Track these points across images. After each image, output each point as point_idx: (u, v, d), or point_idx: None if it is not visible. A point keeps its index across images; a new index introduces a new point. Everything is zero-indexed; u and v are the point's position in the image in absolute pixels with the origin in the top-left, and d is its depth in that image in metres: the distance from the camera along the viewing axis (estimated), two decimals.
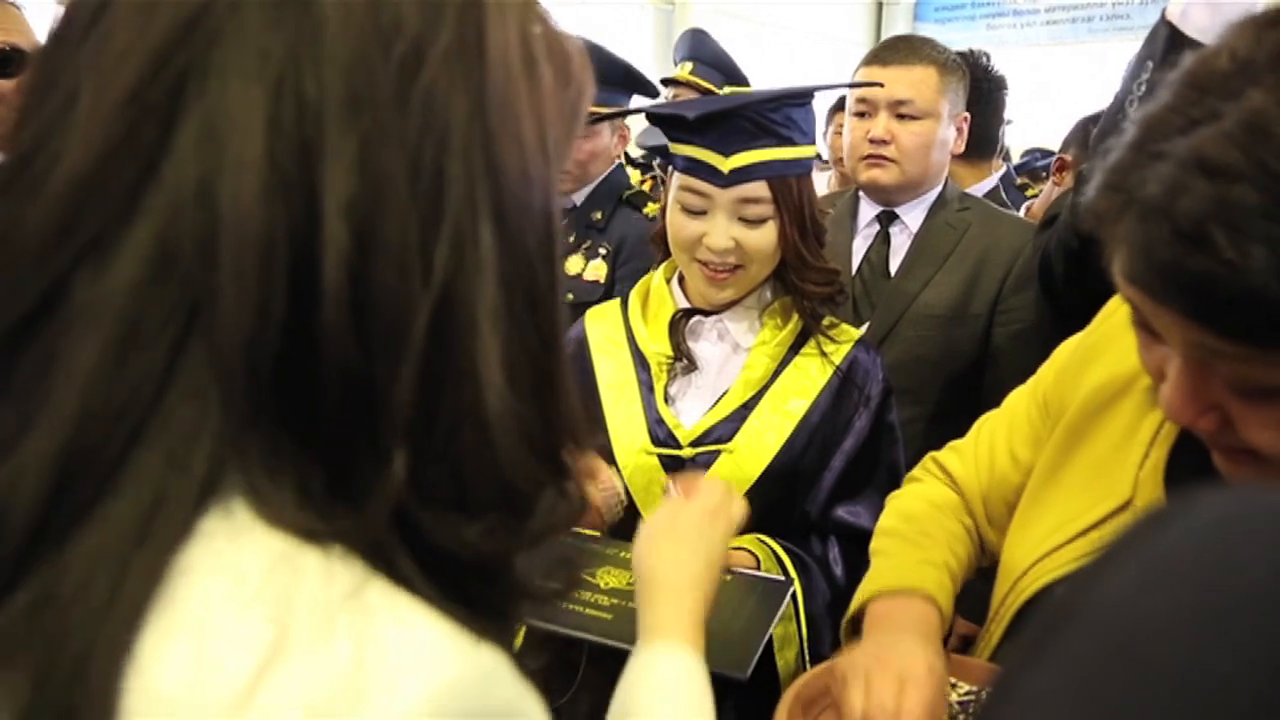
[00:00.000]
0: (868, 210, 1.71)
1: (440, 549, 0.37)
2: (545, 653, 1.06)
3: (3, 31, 1.57)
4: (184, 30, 0.35)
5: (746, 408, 1.22)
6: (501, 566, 0.40)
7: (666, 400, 1.24)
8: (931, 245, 1.65)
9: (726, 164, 1.14)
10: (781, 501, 1.21)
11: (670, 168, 1.25)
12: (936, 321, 1.60)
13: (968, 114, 1.70)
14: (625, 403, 1.25)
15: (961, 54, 2.05)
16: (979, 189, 2.12)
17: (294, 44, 0.36)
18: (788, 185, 1.16)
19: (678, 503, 0.87)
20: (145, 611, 0.33)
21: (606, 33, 10.08)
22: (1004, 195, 2.32)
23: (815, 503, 1.24)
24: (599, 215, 2.07)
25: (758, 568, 1.15)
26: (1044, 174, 3.98)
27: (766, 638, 0.98)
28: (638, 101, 2.18)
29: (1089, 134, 2.11)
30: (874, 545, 0.98)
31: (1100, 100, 2.19)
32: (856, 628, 0.90)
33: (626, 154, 2.28)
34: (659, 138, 1.25)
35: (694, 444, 1.20)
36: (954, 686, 0.81)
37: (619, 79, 2.08)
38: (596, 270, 2.01)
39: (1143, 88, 1.10)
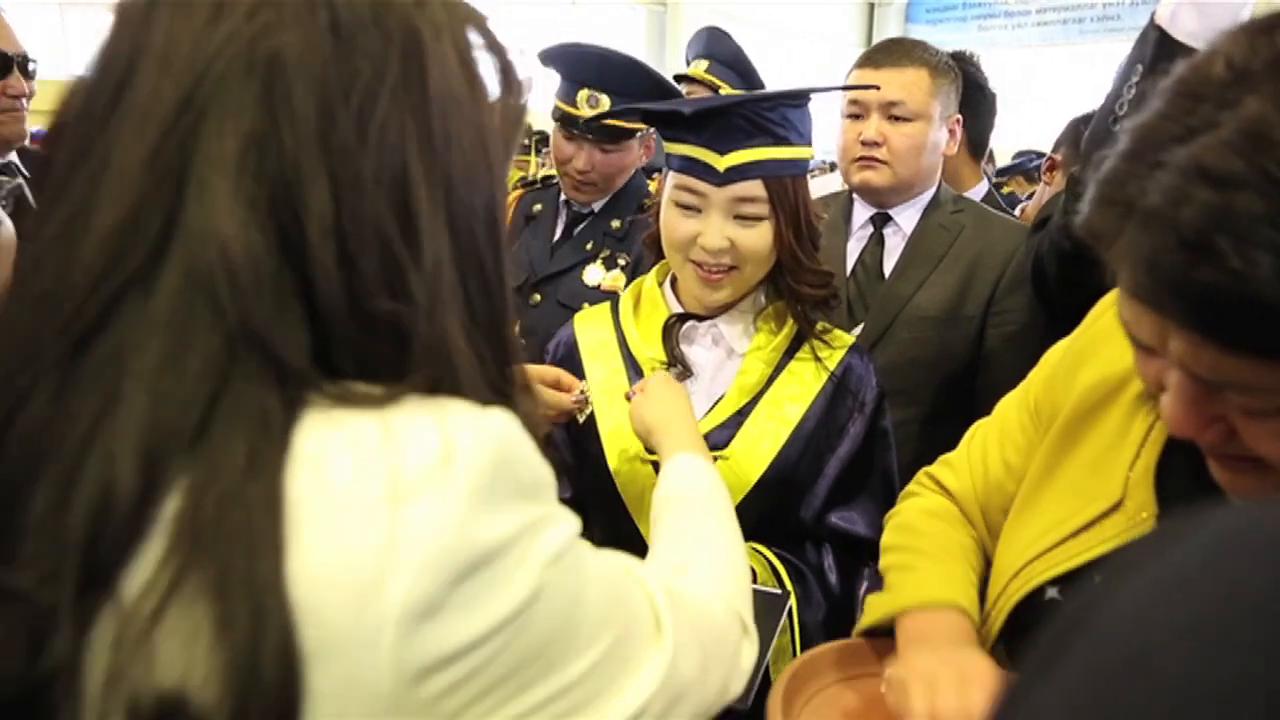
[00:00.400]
0: (861, 212, 1.72)
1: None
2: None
3: None
4: (183, 105, 0.45)
5: (741, 414, 1.21)
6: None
7: None
8: (925, 247, 1.65)
9: (722, 162, 1.13)
10: (776, 508, 1.20)
11: (666, 169, 1.23)
12: (930, 323, 1.60)
13: (959, 116, 1.71)
14: (617, 408, 1.23)
15: (953, 55, 2.06)
16: (976, 192, 2.12)
17: (269, 105, 0.46)
18: (783, 185, 1.15)
19: (661, 378, 1.11)
20: (280, 502, 0.43)
21: (599, 33, 10.09)
22: (998, 198, 2.33)
23: (810, 509, 1.23)
24: (618, 223, 1.99)
25: (754, 580, 1.14)
26: (1036, 175, 4.00)
27: (765, 663, 0.97)
28: None
29: (1080, 134, 2.12)
30: (888, 560, 0.96)
31: (1091, 101, 2.20)
32: (870, 636, 0.89)
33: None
34: None
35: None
36: None
37: (649, 91, 2.04)
38: (615, 281, 1.93)
39: (1132, 90, 1.10)
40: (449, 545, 0.44)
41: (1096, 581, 0.26)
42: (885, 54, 1.64)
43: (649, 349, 1.25)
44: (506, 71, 0.54)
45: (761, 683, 1.03)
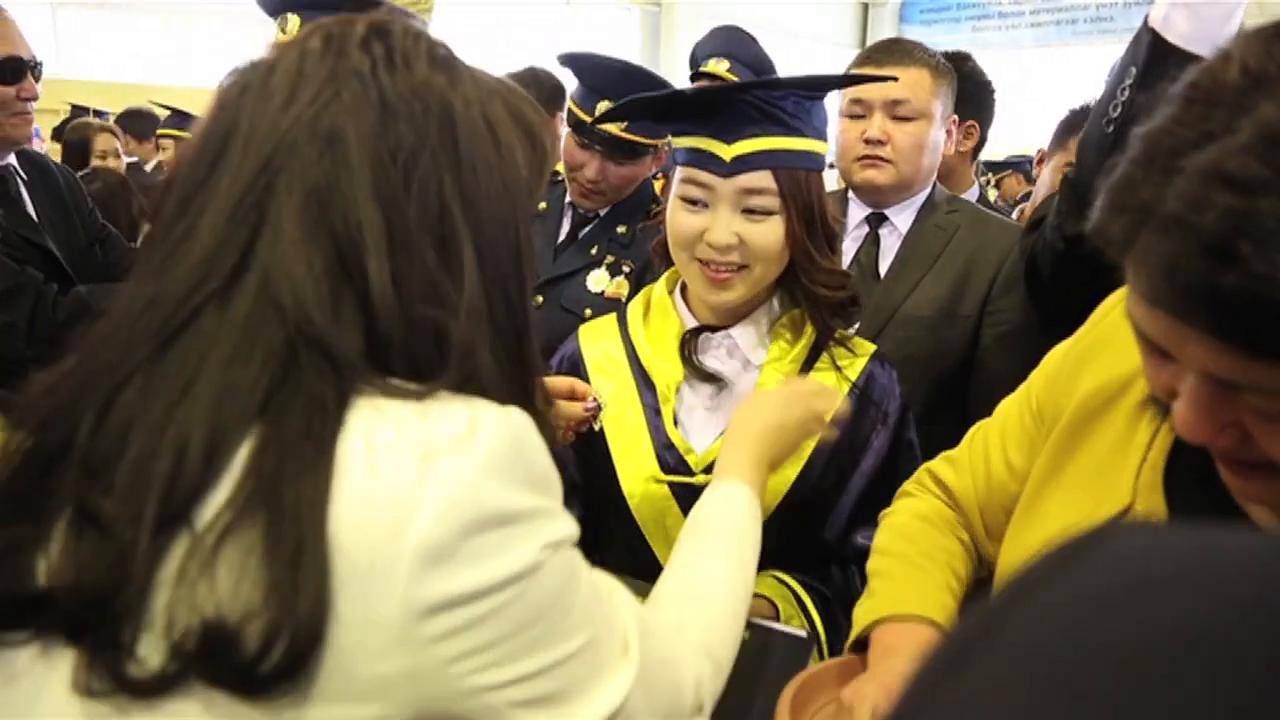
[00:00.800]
0: (856, 212, 1.72)
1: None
2: None
3: (6, 43, 1.79)
4: (260, 169, 0.58)
5: None
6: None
7: (675, 422, 1.16)
8: (921, 247, 1.66)
9: (729, 151, 1.08)
10: (800, 529, 1.14)
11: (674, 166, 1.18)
12: (925, 323, 1.61)
13: (955, 116, 1.71)
14: (629, 427, 1.17)
15: (951, 56, 2.07)
16: (968, 196, 2.14)
17: (331, 166, 0.57)
18: (795, 179, 1.10)
19: (789, 383, 1.05)
20: (330, 460, 0.52)
21: (594, 33, 10.09)
22: (989, 201, 2.35)
23: (834, 528, 1.17)
24: (623, 229, 1.95)
25: (777, 616, 1.08)
26: (1032, 174, 4.01)
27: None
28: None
29: (1073, 125, 2.14)
30: (872, 565, 0.95)
31: (1085, 101, 2.23)
32: (859, 648, 0.89)
33: None
34: None
35: (708, 470, 1.10)
36: None
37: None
38: (619, 288, 1.90)
39: (1126, 93, 1.11)
40: (464, 500, 0.52)
41: (996, 597, 0.26)
42: (887, 53, 1.64)
43: (662, 362, 1.19)
44: (529, 132, 0.66)
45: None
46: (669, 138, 2.05)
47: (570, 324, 1.35)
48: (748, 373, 1.18)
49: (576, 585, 0.58)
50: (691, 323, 1.20)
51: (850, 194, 1.73)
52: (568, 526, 0.58)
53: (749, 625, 0.96)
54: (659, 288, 1.25)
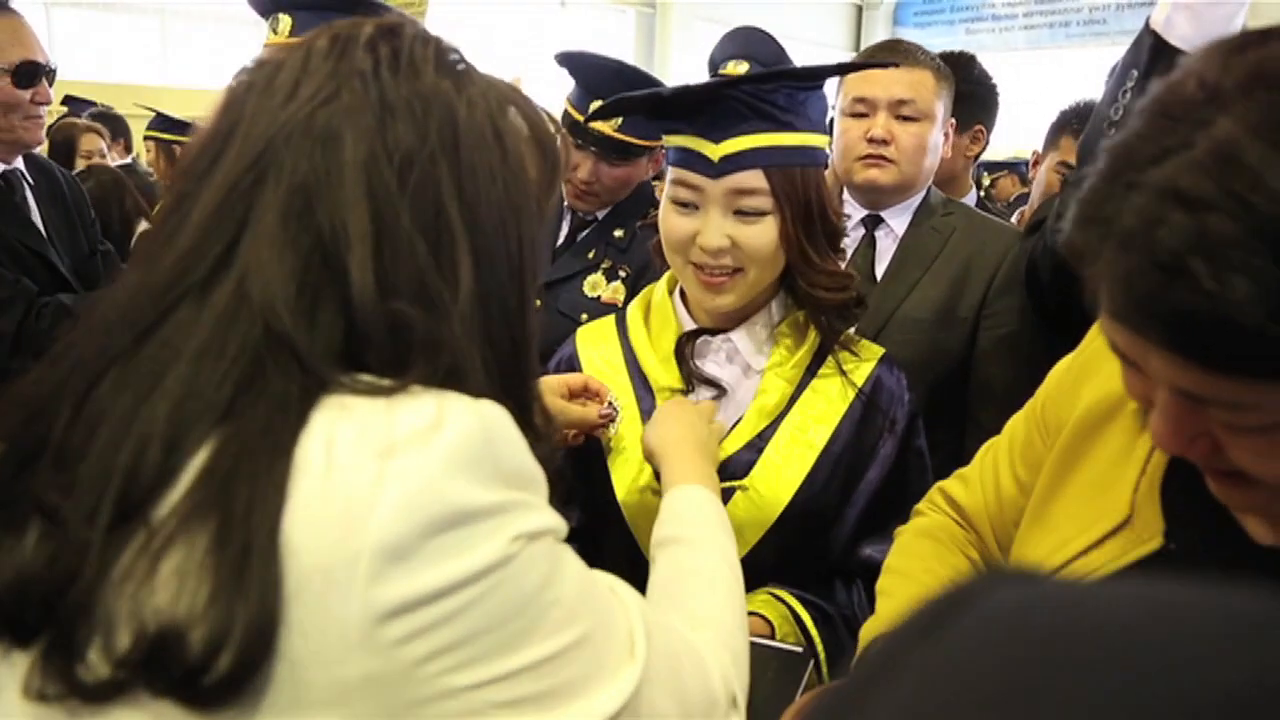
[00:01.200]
0: (852, 213, 1.71)
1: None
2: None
3: (24, 48, 1.84)
4: (251, 164, 0.57)
5: (762, 438, 1.09)
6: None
7: None
8: (917, 250, 1.65)
9: (717, 150, 1.03)
10: (802, 542, 1.10)
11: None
12: (923, 326, 1.60)
13: (959, 119, 1.71)
14: (626, 434, 1.13)
15: (957, 57, 2.07)
16: (970, 198, 2.14)
17: (322, 161, 0.56)
18: (789, 176, 1.05)
19: (674, 401, 1.06)
20: (288, 460, 0.50)
21: (588, 35, 10.09)
22: (988, 205, 2.35)
23: (839, 540, 1.12)
24: (620, 233, 1.93)
25: (772, 635, 1.03)
26: (1026, 176, 4.02)
27: None
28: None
29: (1066, 125, 2.14)
30: (880, 584, 0.94)
31: (1077, 100, 2.23)
32: None
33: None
34: None
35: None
36: None
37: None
38: (615, 293, 1.88)
39: (1127, 95, 1.10)
40: (424, 496, 0.50)
41: (867, 656, 0.26)
42: (890, 53, 1.63)
43: (661, 369, 1.14)
44: (541, 143, 0.66)
45: None
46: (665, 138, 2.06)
47: (566, 329, 1.32)
48: (748, 378, 1.14)
49: (560, 579, 0.56)
50: (690, 325, 1.16)
51: (846, 195, 1.72)
52: (547, 518, 0.56)
53: None
54: (659, 289, 1.21)
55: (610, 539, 1.13)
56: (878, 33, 12.39)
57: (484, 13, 8.65)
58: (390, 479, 0.50)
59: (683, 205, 1.08)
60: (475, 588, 0.51)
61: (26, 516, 0.52)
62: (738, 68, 2.24)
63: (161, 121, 3.71)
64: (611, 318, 1.24)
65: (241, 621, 0.47)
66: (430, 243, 0.57)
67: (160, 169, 3.74)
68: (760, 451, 1.08)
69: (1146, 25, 1.09)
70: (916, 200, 1.68)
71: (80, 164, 3.45)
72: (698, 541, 0.84)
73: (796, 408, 1.11)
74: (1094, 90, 2.28)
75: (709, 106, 1.04)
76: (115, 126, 4.19)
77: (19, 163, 1.94)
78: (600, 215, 1.96)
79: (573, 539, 0.60)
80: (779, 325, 1.14)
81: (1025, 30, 11.61)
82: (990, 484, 0.94)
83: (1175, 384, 0.57)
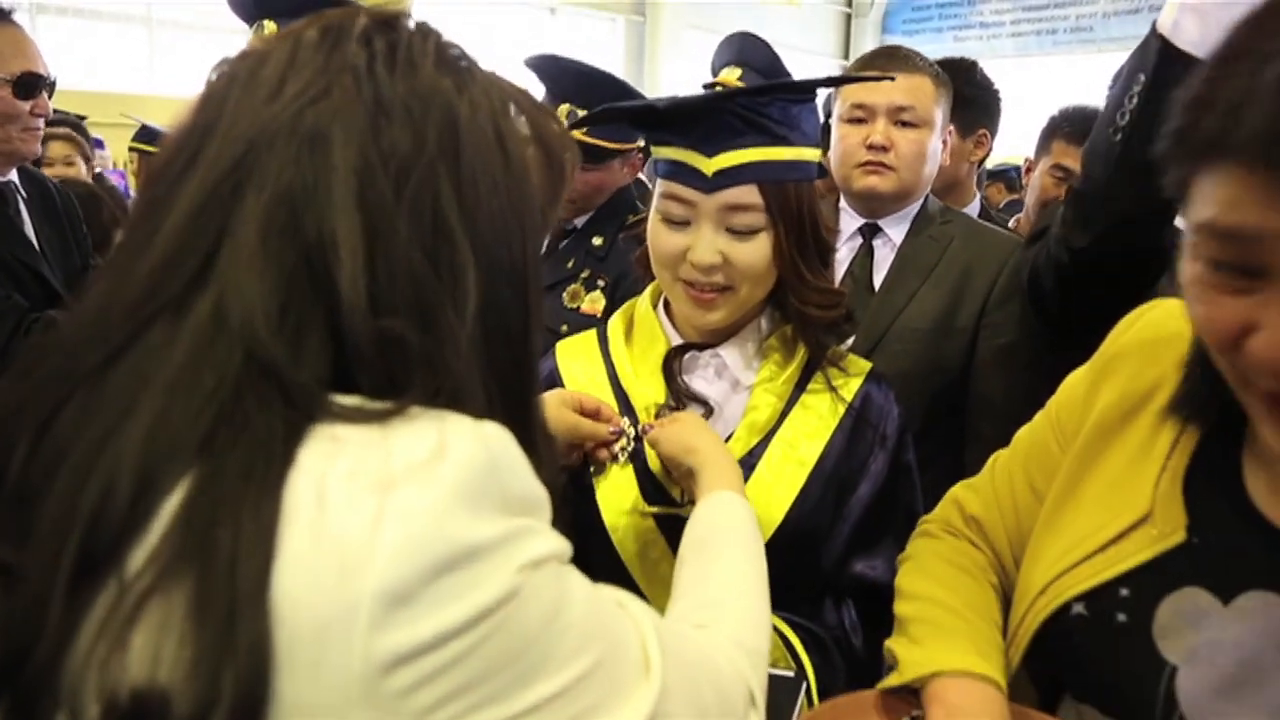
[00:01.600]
0: (849, 222, 1.69)
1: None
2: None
3: (25, 59, 1.83)
4: (232, 167, 0.52)
5: (753, 455, 1.07)
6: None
7: None
8: (916, 259, 1.63)
9: (710, 165, 1.01)
10: (793, 560, 1.06)
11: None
12: (922, 336, 1.58)
13: (957, 125, 1.69)
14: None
15: (958, 63, 2.05)
16: (970, 209, 2.12)
17: (309, 166, 0.51)
18: (784, 192, 1.02)
19: (682, 414, 1.06)
20: (275, 508, 0.45)
21: (578, 43, 10.09)
22: (991, 214, 2.34)
23: (830, 557, 1.10)
24: (599, 241, 1.91)
25: None
26: (1017, 183, 4.01)
27: None
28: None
29: (1058, 129, 2.13)
30: (910, 608, 0.90)
31: (1066, 106, 2.23)
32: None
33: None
34: None
35: (695, 500, 1.03)
36: None
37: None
38: (594, 303, 1.85)
39: (1133, 100, 1.08)
40: (428, 535, 0.46)
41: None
42: (890, 59, 1.61)
43: (645, 386, 1.11)
44: (546, 148, 0.61)
45: None
46: (639, 141, 2.02)
47: (545, 342, 1.29)
48: (737, 394, 1.11)
49: (570, 604, 0.52)
50: (677, 340, 1.13)
51: (843, 204, 1.70)
52: (552, 542, 0.53)
53: None
54: (643, 302, 1.17)
55: (595, 560, 1.09)
56: (866, 40, 12.45)
57: (472, 21, 8.63)
58: (390, 517, 0.45)
59: (673, 220, 1.05)
60: (483, 627, 0.47)
61: None
62: (731, 74, 2.21)
63: (146, 133, 3.66)
64: (593, 332, 1.21)
65: (229, 690, 0.43)
66: (429, 256, 0.52)
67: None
68: (751, 469, 1.06)
69: (1153, 29, 1.07)
70: (914, 209, 1.66)
71: (45, 172, 3.39)
72: (726, 549, 0.84)
73: (787, 424, 1.09)
74: (1081, 97, 2.30)
75: (703, 119, 1.01)
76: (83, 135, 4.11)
77: (13, 175, 1.93)
78: (579, 223, 1.93)
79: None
80: (767, 340, 1.12)
81: (1013, 38, 11.68)
82: (1005, 492, 0.93)
83: None
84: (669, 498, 1.07)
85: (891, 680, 0.84)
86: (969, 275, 1.59)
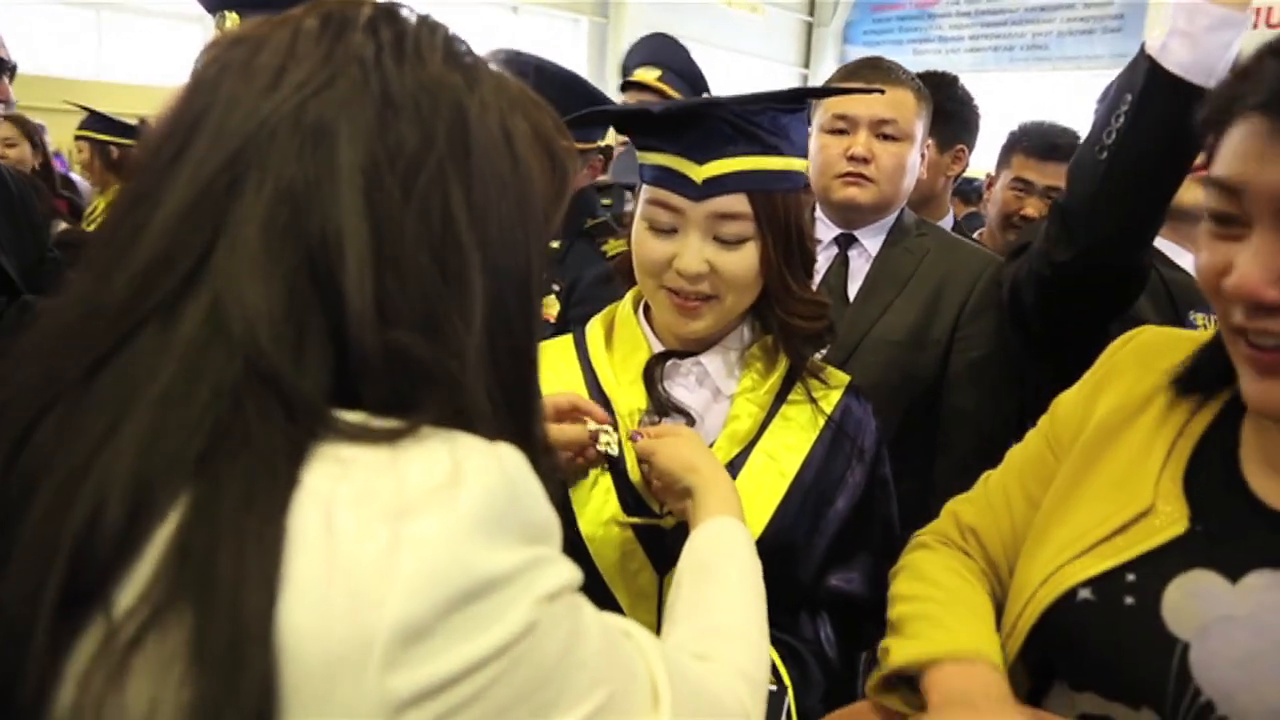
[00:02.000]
0: (825, 232, 1.68)
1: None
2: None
3: None
4: (229, 162, 0.48)
5: (733, 466, 1.06)
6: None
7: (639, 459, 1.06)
8: (890, 270, 1.63)
9: (700, 172, 1.00)
10: (772, 574, 1.02)
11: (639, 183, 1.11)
12: (896, 347, 1.58)
13: (935, 140, 1.69)
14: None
15: (938, 77, 2.05)
16: (945, 223, 2.13)
17: (313, 163, 0.48)
18: (772, 201, 1.02)
19: (679, 428, 1.04)
20: (279, 538, 0.42)
21: (541, 43, 10.04)
22: (964, 229, 2.36)
23: (807, 570, 1.10)
24: (556, 244, 1.88)
25: None
26: (974, 196, 4.07)
27: None
28: (613, 135, 2.00)
29: (1017, 145, 2.16)
30: (905, 609, 0.90)
31: (1024, 121, 2.26)
32: (887, 683, 0.85)
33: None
34: (635, 173, 1.12)
35: (677, 515, 1.01)
36: None
37: (584, 107, 1.94)
38: (549, 307, 1.83)
39: (1120, 120, 1.08)
40: (446, 568, 0.43)
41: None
42: (873, 71, 1.61)
43: (626, 393, 1.09)
44: (549, 152, 0.59)
45: None
46: (599, 142, 1.97)
47: None
48: (718, 403, 1.10)
49: (585, 638, 0.51)
50: (658, 347, 1.12)
51: (819, 213, 1.69)
52: (566, 572, 0.51)
53: None
54: (624, 308, 1.15)
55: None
56: (827, 50, 12.58)
57: (434, 15, 8.53)
58: (406, 546, 0.43)
59: (659, 228, 1.04)
60: (500, 663, 0.45)
61: None
62: (648, 74, 2.13)
63: (96, 121, 3.52)
64: (568, 338, 1.19)
65: None
66: (437, 261, 0.50)
67: (95, 171, 3.55)
68: (733, 479, 1.02)
69: (1142, 50, 1.07)
70: (890, 220, 1.66)
71: None
72: (729, 571, 0.84)
73: (767, 435, 1.08)
74: (1036, 113, 2.34)
75: (694, 125, 1.00)
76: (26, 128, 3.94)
77: None
78: None
79: None
80: (749, 349, 1.12)
81: (971, 53, 11.88)
82: (1000, 502, 0.94)
83: None
84: (648, 508, 1.05)
85: (880, 672, 0.84)
86: (943, 288, 1.60)
